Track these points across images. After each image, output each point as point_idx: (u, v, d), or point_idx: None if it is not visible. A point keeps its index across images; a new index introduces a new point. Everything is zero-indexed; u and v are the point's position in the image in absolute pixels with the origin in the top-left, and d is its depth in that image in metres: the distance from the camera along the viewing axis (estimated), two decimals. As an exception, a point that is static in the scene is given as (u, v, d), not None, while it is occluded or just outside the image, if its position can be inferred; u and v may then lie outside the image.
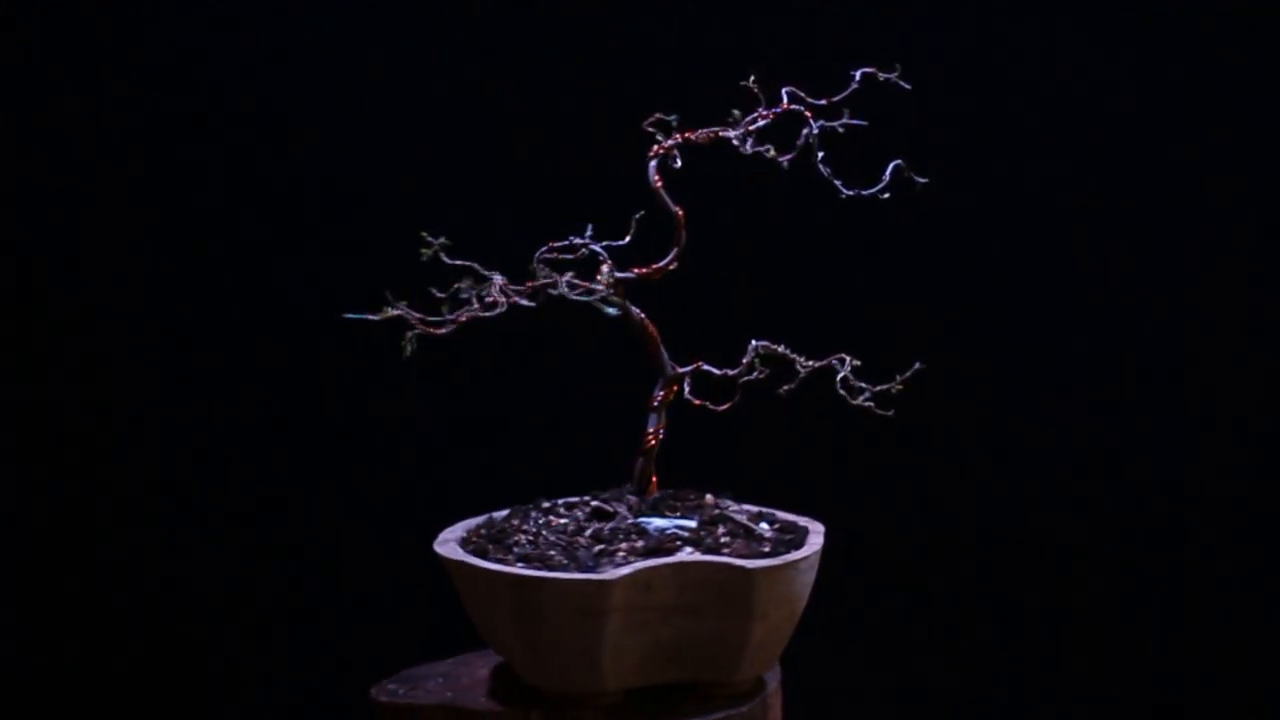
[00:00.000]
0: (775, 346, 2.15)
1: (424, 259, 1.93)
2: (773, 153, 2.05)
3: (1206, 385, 2.92)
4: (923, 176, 2.10)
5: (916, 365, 2.16)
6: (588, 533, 2.05)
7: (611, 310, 1.95)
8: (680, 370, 2.12)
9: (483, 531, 2.10)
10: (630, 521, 2.06)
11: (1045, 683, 3.00)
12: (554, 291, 1.93)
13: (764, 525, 2.10)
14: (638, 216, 1.99)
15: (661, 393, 2.13)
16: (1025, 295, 2.93)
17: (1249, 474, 2.93)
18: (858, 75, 2.11)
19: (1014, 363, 2.94)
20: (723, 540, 2.03)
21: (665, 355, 2.12)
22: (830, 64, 2.10)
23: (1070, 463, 2.95)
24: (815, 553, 2.02)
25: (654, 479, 2.15)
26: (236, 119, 2.69)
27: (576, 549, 2.00)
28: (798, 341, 2.16)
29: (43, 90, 2.65)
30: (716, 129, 2.04)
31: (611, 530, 2.04)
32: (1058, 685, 3.00)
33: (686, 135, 2.04)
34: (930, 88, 2.12)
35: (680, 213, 2.04)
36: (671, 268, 2.06)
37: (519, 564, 1.98)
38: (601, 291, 1.94)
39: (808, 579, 2.02)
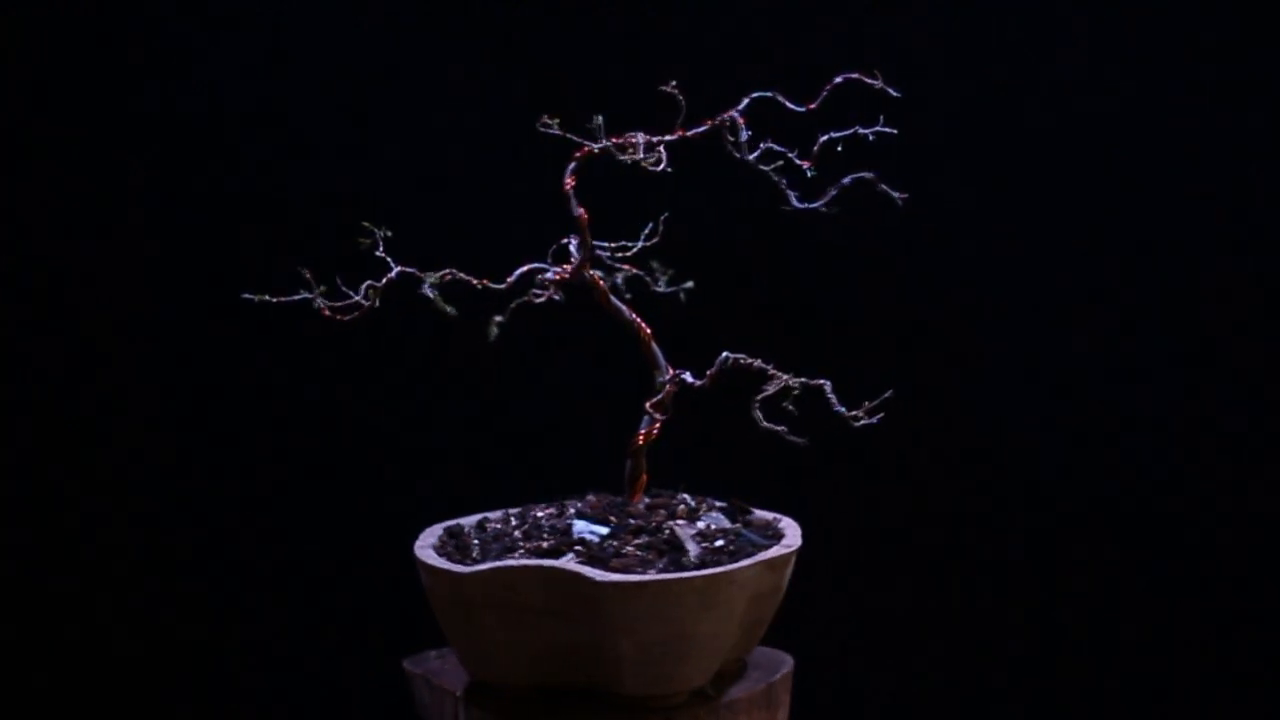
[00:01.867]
0: (750, 360, 2.08)
1: (362, 248, 2.04)
2: (662, 163, 1.99)
3: (1198, 385, 2.91)
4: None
5: (888, 393, 2.02)
6: (524, 528, 2.10)
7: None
8: (664, 378, 2.11)
9: (491, 522, 2.19)
10: (567, 522, 2.09)
11: (1043, 683, 3.01)
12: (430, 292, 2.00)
13: (718, 542, 2.05)
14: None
15: (662, 394, 2.13)
16: (1016, 294, 2.92)
17: (1246, 478, 2.92)
18: (838, 79, 2.00)
19: (1014, 361, 2.94)
20: (628, 550, 2.01)
21: (661, 358, 2.12)
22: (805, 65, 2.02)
23: (1069, 462, 2.96)
24: (708, 575, 1.94)
25: (643, 478, 2.14)
26: (235, 119, 2.82)
27: (498, 541, 2.07)
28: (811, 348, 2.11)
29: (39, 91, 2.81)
30: (637, 134, 2.01)
31: (546, 529, 2.08)
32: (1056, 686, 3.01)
33: (615, 141, 2.02)
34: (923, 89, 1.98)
35: (583, 215, 2.04)
36: (586, 270, 2.06)
37: (450, 550, 2.07)
38: (433, 291, 1.99)
39: (696, 601, 1.94)
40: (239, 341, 2.89)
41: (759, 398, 2.04)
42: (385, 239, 2.05)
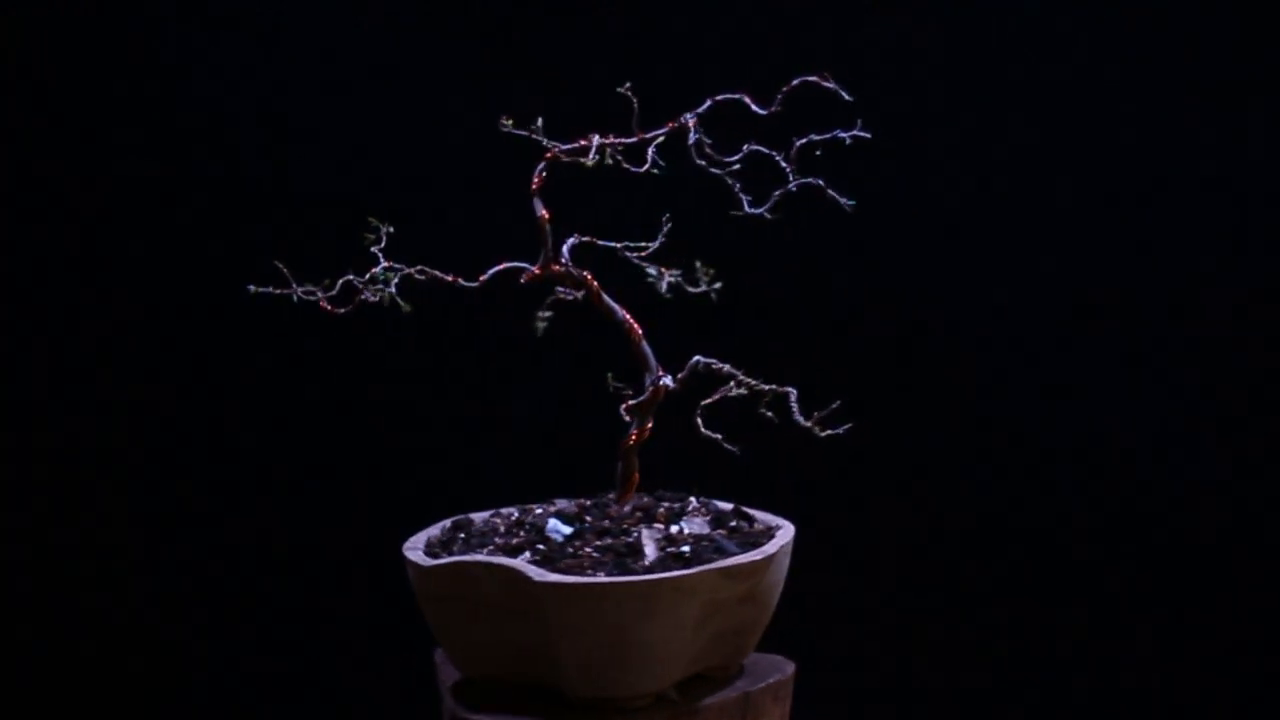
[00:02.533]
0: (720, 365, 2.06)
1: (367, 245, 2.08)
2: (647, 164, 1.99)
3: (1198, 386, 2.89)
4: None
5: (835, 404, 1.98)
6: (511, 524, 2.12)
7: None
8: (649, 381, 2.10)
9: (498, 517, 2.21)
10: (546, 520, 2.10)
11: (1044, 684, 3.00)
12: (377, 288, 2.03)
13: (684, 547, 2.03)
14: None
15: (645, 395, 2.12)
16: (1008, 293, 2.91)
17: (1242, 479, 2.90)
18: (795, 82, 1.98)
19: (1014, 362, 2.93)
20: (584, 551, 2.01)
21: (652, 358, 2.11)
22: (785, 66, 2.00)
23: (1068, 463, 2.94)
24: (650, 580, 1.92)
25: (635, 478, 2.14)
26: (235, 119, 2.84)
27: (482, 536, 2.09)
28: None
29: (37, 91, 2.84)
30: (593, 137, 2.00)
31: (526, 526, 2.09)
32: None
33: (582, 142, 2.02)
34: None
35: (545, 215, 2.04)
36: (555, 268, 2.06)
37: (438, 543, 2.10)
38: (393, 286, 2.01)
39: (639, 607, 1.93)
40: (239, 341, 2.95)
41: (704, 403, 2.02)
42: (388, 235, 2.08)
